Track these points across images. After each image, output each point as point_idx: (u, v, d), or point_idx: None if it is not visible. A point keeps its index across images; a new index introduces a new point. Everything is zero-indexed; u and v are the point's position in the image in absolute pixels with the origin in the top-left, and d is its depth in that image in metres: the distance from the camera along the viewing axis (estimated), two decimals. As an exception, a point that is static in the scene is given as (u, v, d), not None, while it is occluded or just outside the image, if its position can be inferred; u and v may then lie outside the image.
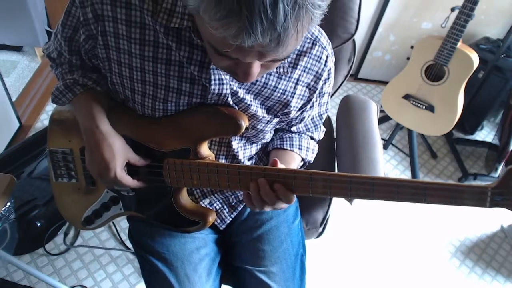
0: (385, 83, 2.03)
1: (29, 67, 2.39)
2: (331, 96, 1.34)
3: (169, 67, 0.74)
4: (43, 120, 2.09)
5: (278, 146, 0.93)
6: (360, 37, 2.39)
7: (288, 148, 0.93)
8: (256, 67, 0.60)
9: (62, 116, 0.93)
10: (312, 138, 1.00)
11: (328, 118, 1.39)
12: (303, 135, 0.97)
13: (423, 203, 0.61)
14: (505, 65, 2.06)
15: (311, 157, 0.97)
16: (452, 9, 1.68)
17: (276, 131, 0.97)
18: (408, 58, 1.86)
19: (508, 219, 1.98)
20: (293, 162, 0.92)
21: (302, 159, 0.96)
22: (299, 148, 0.93)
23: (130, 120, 0.83)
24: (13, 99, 2.01)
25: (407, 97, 1.88)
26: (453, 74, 1.73)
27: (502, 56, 2.06)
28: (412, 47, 1.82)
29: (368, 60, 2.51)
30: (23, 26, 2.19)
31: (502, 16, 2.24)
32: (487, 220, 1.98)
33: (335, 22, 1.17)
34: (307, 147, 0.96)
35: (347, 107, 1.27)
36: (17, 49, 2.47)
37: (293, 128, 0.94)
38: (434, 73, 1.78)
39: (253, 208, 0.77)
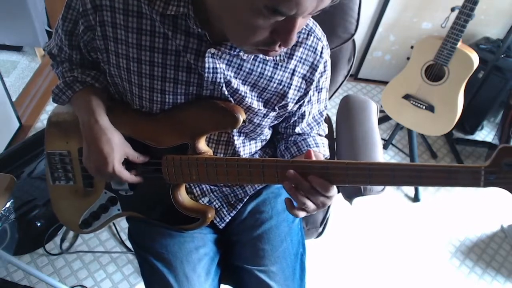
0: (385, 83, 2.03)
1: (29, 67, 2.39)
2: (331, 96, 1.35)
3: (166, 56, 0.75)
4: (43, 120, 2.09)
5: (297, 153, 0.92)
6: (360, 37, 2.39)
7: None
8: (298, 25, 0.60)
9: (59, 118, 0.93)
10: (319, 135, 1.00)
11: (328, 118, 1.39)
12: (311, 134, 0.97)
13: (419, 186, 0.62)
14: (505, 65, 2.06)
15: (328, 152, 0.98)
16: (452, 9, 1.68)
17: (284, 137, 0.96)
18: (408, 58, 1.86)
19: (508, 219, 1.98)
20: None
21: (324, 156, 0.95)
22: (317, 146, 0.94)
23: (128, 119, 0.83)
24: (13, 99, 2.01)
25: (407, 97, 1.88)
26: (453, 74, 1.73)
27: (502, 56, 2.06)
28: (412, 47, 1.82)
29: (368, 60, 2.51)
30: (23, 26, 2.19)
31: (502, 16, 2.24)
32: (487, 220, 1.98)
33: (335, 22, 1.18)
34: (322, 143, 0.96)
35: (347, 107, 1.27)
36: (17, 49, 2.47)
37: (297, 129, 0.94)
38: (434, 73, 1.78)
39: (296, 213, 0.74)
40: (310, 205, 0.72)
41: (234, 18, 0.61)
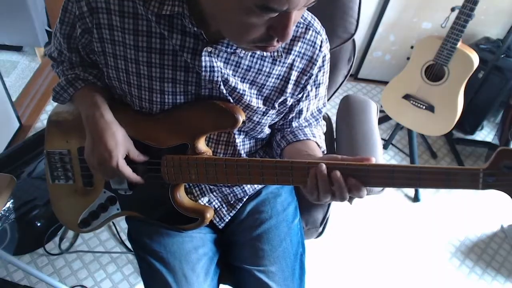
0: (385, 83, 2.03)
1: (29, 67, 2.39)
2: (331, 96, 1.35)
3: (163, 56, 0.75)
4: (43, 120, 2.09)
5: (294, 140, 0.89)
6: (360, 37, 2.39)
7: (304, 138, 0.89)
8: (293, 19, 0.59)
9: (60, 117, 0.93)
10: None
11: (328, 118, 1.39)
12: (311, 126, 0.95)
13: (418, 188, 0.62)
14: (505, 65, 2.06)
15: (325, 145, 0.94)
16: (452, 9, 1.68)
17: (280, 129, 0.95)
18: (408, 58, 1.86)
19: (508, 219, 1.98)
20: (316, 150, 0.87)
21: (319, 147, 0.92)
22: (313, 136, 0.91)
23: (128, 118, 0.83)
24: (13, 99, 2.01)
25: (407, 97, 1.88)
26: (453, 74, 1.73)
27: (502, 56, 2.06)
28: (412, 47, 1.82)
29: (368, 60, 2.51)
30: (23, 26, 2.19)
31: (502, 16, 2.24)
32: (487, 220, 1.98)
33: (335, 22, 1.17)
34: (319, 135, 0.93)
35: (347, 107, 1.27)
36: (17, 49, 2.47)
37: (294, 124, 0.92)
38: (434, 73, 1.78)
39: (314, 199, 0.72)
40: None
41: (227, 18, 0.61)
